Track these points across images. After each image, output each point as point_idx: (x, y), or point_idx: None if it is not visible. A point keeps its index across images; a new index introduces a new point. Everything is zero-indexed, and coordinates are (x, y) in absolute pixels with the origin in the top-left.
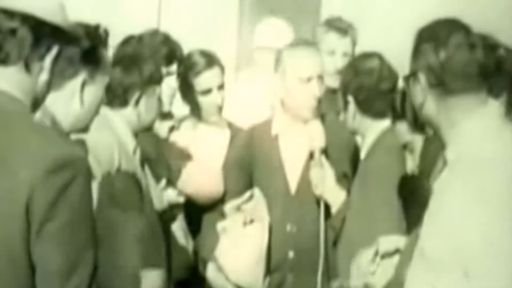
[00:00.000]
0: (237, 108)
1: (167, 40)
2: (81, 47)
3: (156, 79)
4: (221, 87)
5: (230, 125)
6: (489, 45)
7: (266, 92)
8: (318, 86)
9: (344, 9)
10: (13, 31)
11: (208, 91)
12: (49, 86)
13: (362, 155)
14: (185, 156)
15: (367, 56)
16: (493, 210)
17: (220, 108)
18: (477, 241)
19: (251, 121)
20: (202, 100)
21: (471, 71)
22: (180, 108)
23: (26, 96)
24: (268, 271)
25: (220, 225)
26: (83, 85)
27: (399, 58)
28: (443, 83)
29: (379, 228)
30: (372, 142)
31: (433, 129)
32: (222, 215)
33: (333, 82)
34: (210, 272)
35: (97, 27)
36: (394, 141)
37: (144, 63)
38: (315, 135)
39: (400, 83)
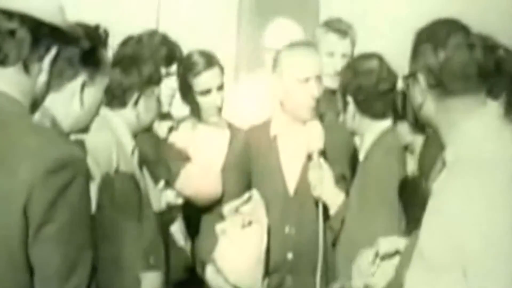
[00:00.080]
0: (238, 109)
1: (166, 40)
2: (80, 47)
3: (155, 80)
4: (220, 87)
5: (230, 126)
6: (489, 45)
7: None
8: (316, 86)
9: (343, 9)
10: (12, 32)
11: (207, 92)
12: (48, 87)
13: (361, 156)
14: (184, 157)
15: (366, 56)
16: (492, 210)
17: (219, 109)
18: (477, 242)
19: (254, 122)
20: (202, 100)
21: (470, 71)
22: (180, 108)
23: (25, 97)
24: (267, 272)
25: (218, 227)
26: (83, 86)
27: (399, 58)
28: (442, 84)
29: (378, 229)
30: (371, 142)
31: (432, 130)
32: (221, 217)
33: (333, 83)
34: (209, 274)
35: (97, 28)
36: (393, 141)
37: (143, 64)
38: (313, 136)
39: (400, 84)
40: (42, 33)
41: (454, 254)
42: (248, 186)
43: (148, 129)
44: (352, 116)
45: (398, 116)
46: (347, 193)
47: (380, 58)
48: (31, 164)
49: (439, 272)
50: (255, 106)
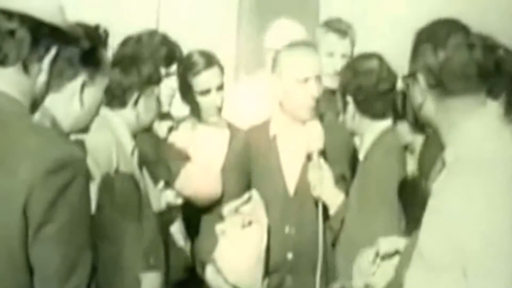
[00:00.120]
0: (238, 109)
1: (166, 40)
2: (80, 47)
3: (154, 80)
4: (220, 87)
5: (230, 126)
6: (488, 45)
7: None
8: (315, 86)
9: (343, 9)
10: (11, 32)
11: (207, 92)
12: (48, 87)
13: (361, 156)
14: (184, 157)
15: (366, 56)
16: (492, 210)
17: (219, 109)
18: (476, 242)
19: (254, 122)
20: (201, 100)
21: (470, 71)
22: (180, 108)
23: (25, 97)
24: (267, 272)
25: (218, 227)
26: (83, 86)
27: (399, 58)
28: (442, 84)
29: (378, 229)
30: (371, 142)
31: (432, 129)
32: (221, 218)
33: (332, 83)
34: (209, 274)
35: (97, 28)
36: (393, 141)
37: (142, 64)
38: (313, 136)
39: (400, 84)
40: (42, 33)
41: (454, 254)
42: (248, 186)
43: (148, 129)
44: (352, 116)
45: (398, 116)
46: (347, 193)
47: (380, 58)
48: (31, 164)
49: (439, 272)
50: (255, 106)
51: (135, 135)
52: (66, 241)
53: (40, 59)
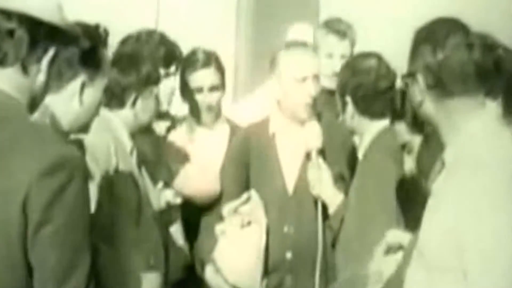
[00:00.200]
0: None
1: (165, 40)
2: (80, 47)
3: (153, 80)
4: (213, 88)
5: (230, 124)
6: (488, 44)
7: None
8: (313, 85)
9: (343, 9)
10: (10, 32)
11: (199, 90)
12: (47, 87)
13: (360, 155)
14: (183, 157)
15: (365, 55)
16: (491, 210)
17: (212, 108)
18: (476, 242)
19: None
20: (197, 98)
21: (469, 72)
22: (179, 108)
23: (24, 97)
24: (266, 272)
25: (218, 228)
26: (82, 86)
27: (398, 58)
28: (441, 84)
29: (377, 229)
30: (370, 142)
31: (432, 129)
32: (220, 218)
33: (331, 84)
34: (208, 274)
35: (96, 27)
36: (392, 141)
37: (141, 64)
38: (312, 136)
39: (399, 83)
40: (41, 33)
41: (454, 254)
42: (246, 185)
43: (147, 129)
44: (351, 115)
45: (396, 115)
46: (346, 192)
47: (378, 57)
48: (28, 164)
49: (439, 271)
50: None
51: (133, 135)
52: (64, 242)
53: (39, 59)
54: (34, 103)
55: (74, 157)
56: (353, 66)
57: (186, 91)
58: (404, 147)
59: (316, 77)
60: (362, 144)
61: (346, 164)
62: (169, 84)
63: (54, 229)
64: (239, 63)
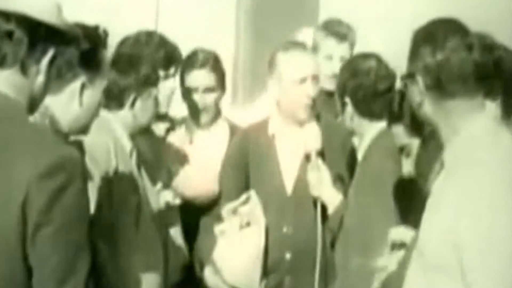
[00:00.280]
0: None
1: (164, 42)
2: (79, 48)
3: (152, 81)
4: (209, 89)
5: (229, 124)
6: (487, 45)
7: None
8: (312, 86)
9: (342, 10)
10: (9, 34)
11: (194, 90)
12: (46, 88)
13: (359, 156)
14: (182, 157)
15: (364, 56)
16: (490, 210)
17: (207, 109)
18: (475, 242)
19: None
20: (193, 98)
21: (468, 73)
22: (178, 110)
23: (23, 98)
24: (265, 273)
25: (217, 228)
26: (82, 88)
27: (398, 59)
28: (441, 85)
29: (377, 229)
30: (369, 143)
31: (431, 129)
32: (219, 218)
33: (331, 85)
34: (208, 275)
35: (96, 28)
36: (391, 142)
37: (140, 64)
38: (311, 137)
39: (398, 84)
40: (39, 34)
41: (453, 254)
42: (246, 185)
43: (147, 130)
44: (350, 117)
45: (394, 118)
46: (345, 193)
47: (378, 58)
48: (27, 165)
49: (439, 271)
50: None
51: (133, 136)
52: (63, 243)
53: (38, 60)
54: (33, 104)
55: (74, 158)
56: (353, 67)
57: (184, 91)
58: (402, 150)
59: (315, 78)
60: (362, 145)
61: (345, 165)
62: (168, 86)
63: (54, 230)
64: (239, 64)
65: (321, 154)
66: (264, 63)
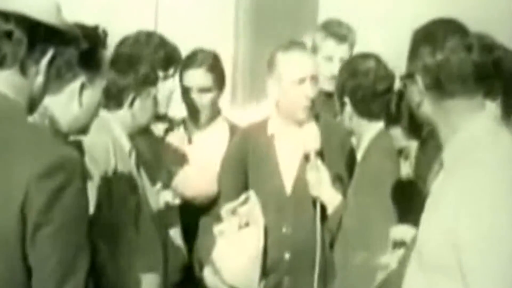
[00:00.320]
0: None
1: (164, 43)
2: (79, 48)
3: (151, 80)
4: (204, 89)
5: (230, 125)
6: (487, 45)
7: None
8: (311, 87)
9: (341, 10)
10: (8, 34)
11: (188, 89)
12: (46, 88)
13: (358, 156)
14: (181, 157)
15: (363, 56)
16: (490, 210)
17: (203, 108)
18: (475, 242)
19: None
20: (189, 97)
21: (468, 73)
22: (177, 111)
23: (22, 98)
24: (265, 273)
25: (216, 229)
26: (81, 88)
27: (397, 59)
28: (440, 85)
29: (375, 229)
30: (369, 143)
31: (430, 130)
32: (218, 218)
33: (330, 86)
34: (207, 275)
35: (95, 28)
36: (390, 142)
37: (139, 64)
38: (310, 137)
39: (397, 84)
40: (39, 34)
41: (453, 254)
42: (245, 185)
43: (146, 130)
44: (349, 117)
45: (391, 121)
46: (344, 193)
47: (377, 58)
48: (26, 165)
49: (438, 271)
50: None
51: (132, 136)
52: (63, 243)
53: (37, 60)
54: (33, 104)
55: (73, 158)
56: (352, 67)
57: (182, 91)
58: (400, 152)
59: (314, 79)
60: (361, 145)
61: (344, 165)
62: (167, 87)
63: (53, 230)
64: (238, 64)
65: (320, 154)
66: (264, 63)
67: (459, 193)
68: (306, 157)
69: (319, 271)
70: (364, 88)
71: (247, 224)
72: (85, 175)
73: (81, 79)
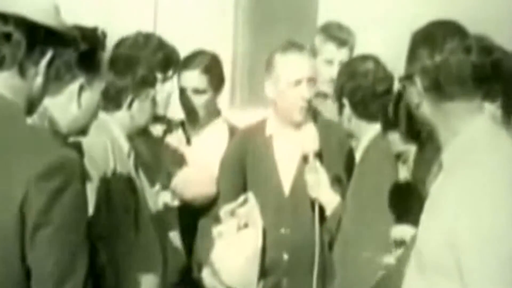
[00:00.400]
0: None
1: (163, 45)
2: (78, 49)
3: (149, 82)
4: (199, 91)
5: (229, 127)
6: (486, 47)
7: None
8: (308, 89)
9: (341, 11)
10: (7, 36)
11: (183, 90)
12: (45, 89)
13: (357, 158)
14: (180, 159)
15: (362, 58)
16: (490, 211)
17: (198, 109)
18: (474, 242)
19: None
20: (185, 98)
21: (467, 75)
22: (176, 113)
23: (21, 100)
24: (263, 274)
25: (215, 230)
26: (80, 89)
27: (396, 60)
28: (439, 87)
29: (374, 231)
30: (367, 145)
31: (428, 133)
32: (217, 220)
33: (330, 89)
34: (206, 276)
35: (94, 29)
36: (388, 144)
37: (137, 66)
38: (308, 139)
39: (396, 86)
40: (38, 36)
41: (452, 254)
42: (244, 186)
43: (144, 131)
44: (348, 118)
45: (389, 124)
46: (343, 194)
47: (376, 59)
48: (25, 167)
49: (437, 271)
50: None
51: (131, 137)
52: (61, 244)
53: (36, 62)
54: (32, 106)
55: (72, 160)
56: (351, 69)
57: (179, 91)
58: (399, 157)
59: (311, 80)
60: (360, 146)
61: (343, 167)
62: (166, 88)
63: (52, 231)
64: (237, 65)
65: (319, 155)
66: (263, 64)
67: (458, 194)
68: (305, 158)
69: (318, 272)
70: (363, 89)
71: (245, 225)
72: (84, 176)
73: (80, 80)
